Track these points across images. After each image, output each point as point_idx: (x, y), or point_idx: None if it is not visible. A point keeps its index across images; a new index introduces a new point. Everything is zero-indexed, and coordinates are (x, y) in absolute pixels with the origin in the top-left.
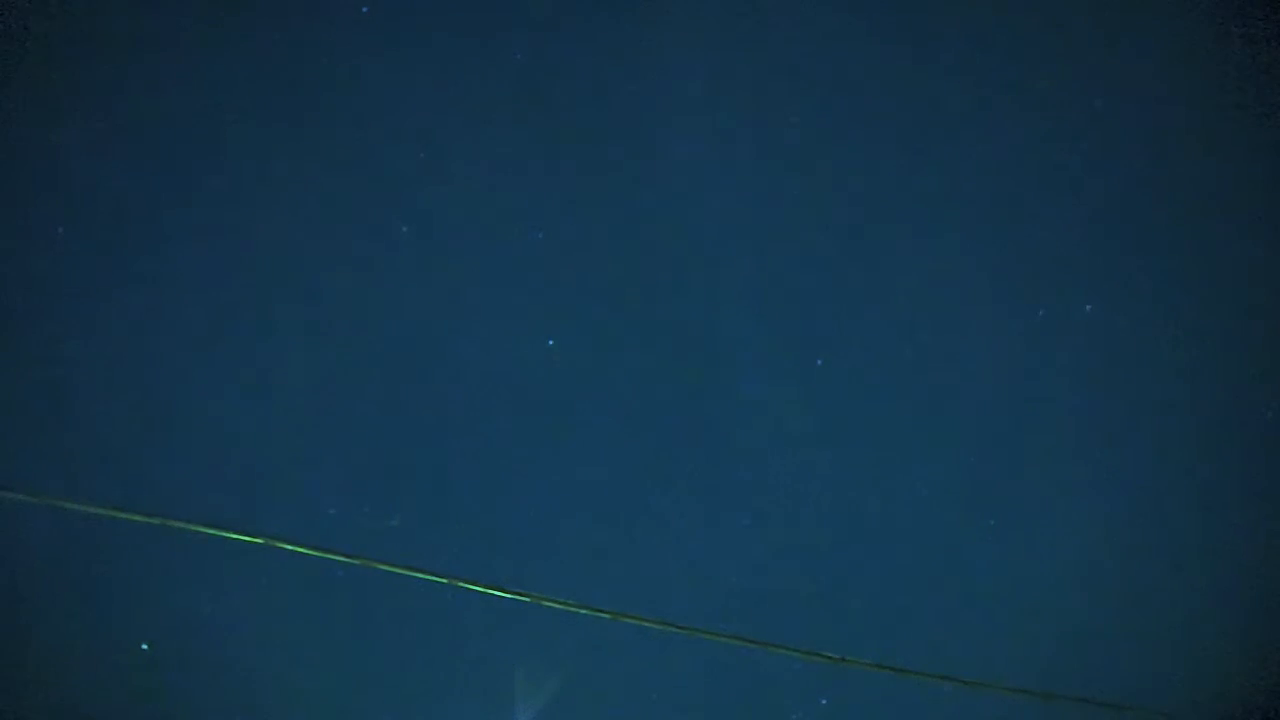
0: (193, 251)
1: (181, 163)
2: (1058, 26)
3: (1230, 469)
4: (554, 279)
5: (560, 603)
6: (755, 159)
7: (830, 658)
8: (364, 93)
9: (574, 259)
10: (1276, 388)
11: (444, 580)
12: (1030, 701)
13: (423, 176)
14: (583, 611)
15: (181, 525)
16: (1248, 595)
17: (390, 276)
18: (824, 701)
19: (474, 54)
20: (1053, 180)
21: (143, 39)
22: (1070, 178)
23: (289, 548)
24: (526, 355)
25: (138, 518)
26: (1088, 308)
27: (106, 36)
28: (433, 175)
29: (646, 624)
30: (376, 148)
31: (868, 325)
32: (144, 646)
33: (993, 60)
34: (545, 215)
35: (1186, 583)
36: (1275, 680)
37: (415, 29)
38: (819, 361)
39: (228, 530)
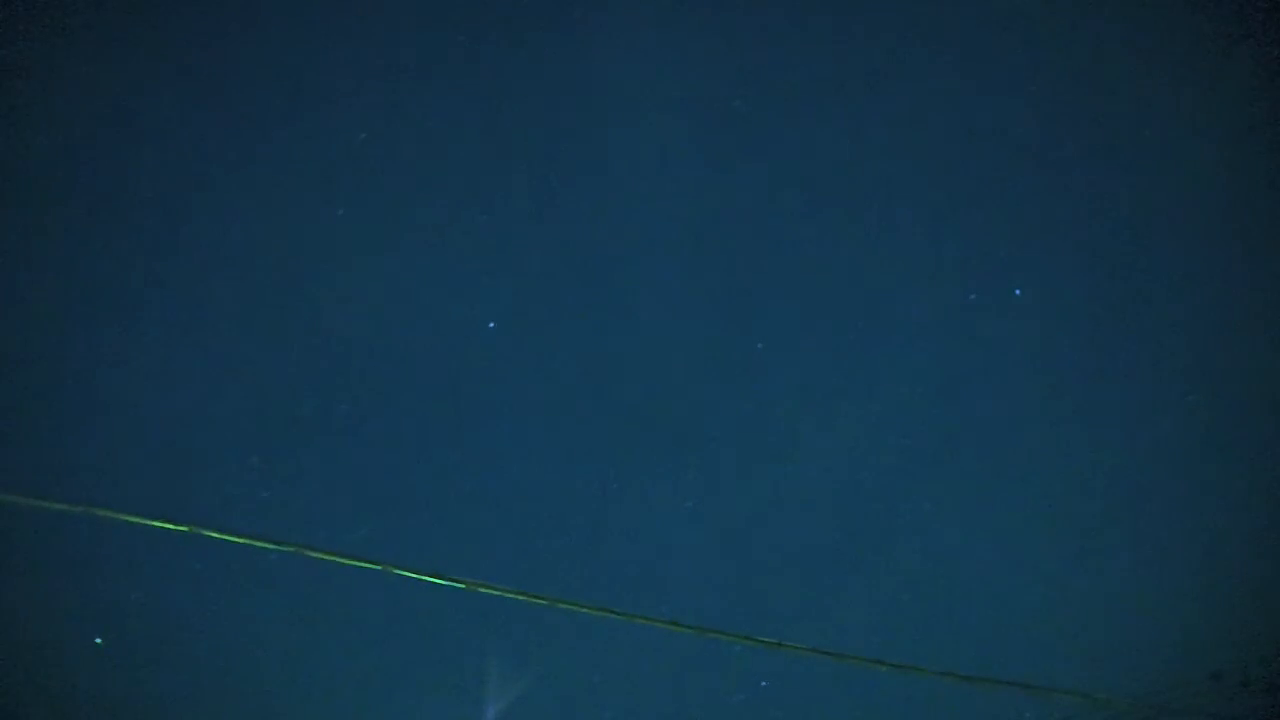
0: (116, 236)
1: (106, 154)
2: (985, 19)
3: (1154, 454)
4: (496, 264)
5: (497, 589)
6: (696, 150)
7: (768, 642)
8: (303, 78)
9: (514, 244)
10: (1198, 374)
11: (379, 567)
12: (958, 685)
13: (358, 158)
14: (520, 598)
15: (105, 513)
16: (1171, 580)
17: (323, 259)
18: (764, 684)
19: (420, 44)
20: (984, 169)
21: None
22: (1000, 168)
23: (215, 535)
24: (466, 339)
25: (59, 506)
26: (1017, 292)
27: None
28: (369, 158)
29: (585, 610)
30: (310, 130)
31: (807, 311)
32: (98, 640)
33: (923, 52)
34: (489, 199)
35: (1112, 569)
36: (1197, 661)
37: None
38: (759, 346)
39: (153, 518)
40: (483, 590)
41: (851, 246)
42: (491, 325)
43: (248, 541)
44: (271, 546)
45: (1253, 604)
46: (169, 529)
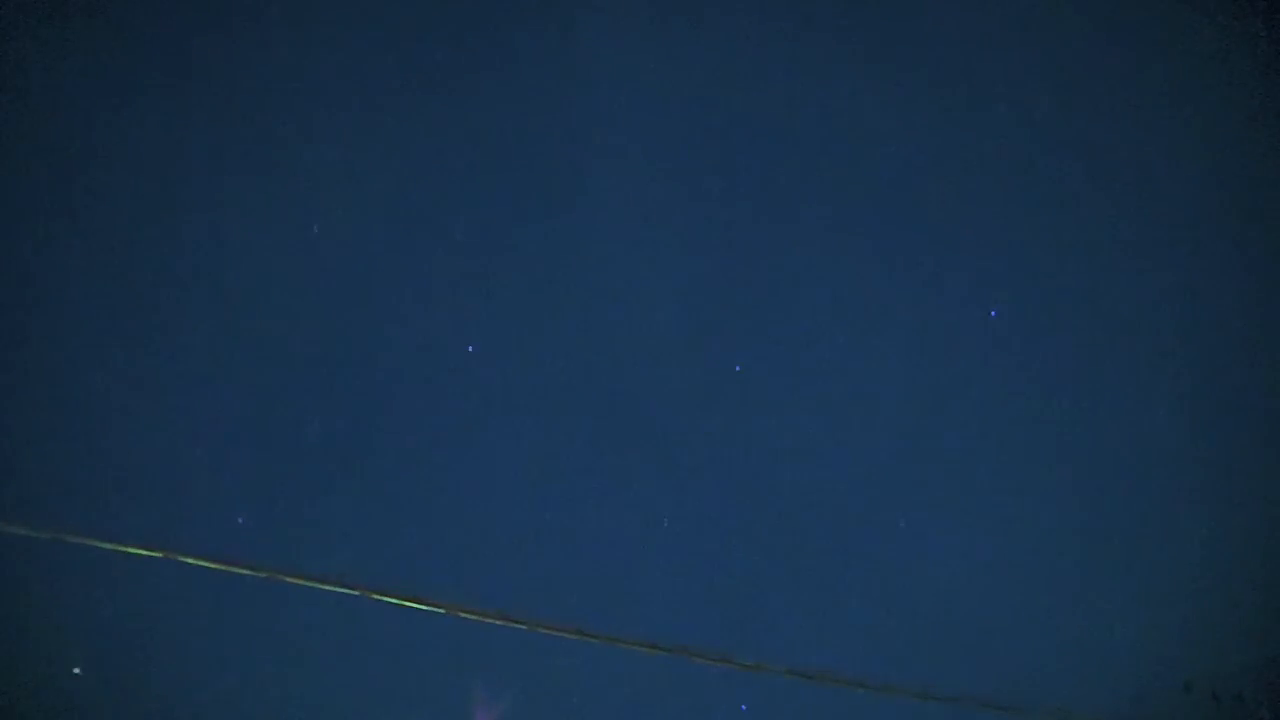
0: (84, 255)
1: (78, 167)
2: (960, 34)
3: (1125, 469)
4: (475, 288)
5: (475, 613)
6: (677, 169)
7: (747, 665)
8: (275, 86)
9: (492, 269)
10: (1170, 390)
11: (356, 592)
12: (936, 706)
13: (334, 173)
14: (498, 622)
15: (76, 539)
16: (1140, 595)
17: (298, 280)
18: (743, 708)
19: (396, 60)
20: (962, 190)
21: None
22: (979, 189)
23: (191, 561)
24: (445, 363)
25: (28, 532)
26: (993, 313)
27: None
28: (343, 174)
29: (563, 634)
30: (284, 143)
31: (785, 333)
32: (75, 670)
33: (896, 64)
34: (465, 217)
35: (1085, 584)
36: (1168, 672)
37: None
38: (738, 368)
39: (127, 544)
40: (463, 615)
41: (829, 266)
42: (470, 349)
43: (224, 567)
44: (248, 572)
45: (1223, 614)
46: (143, 555)
